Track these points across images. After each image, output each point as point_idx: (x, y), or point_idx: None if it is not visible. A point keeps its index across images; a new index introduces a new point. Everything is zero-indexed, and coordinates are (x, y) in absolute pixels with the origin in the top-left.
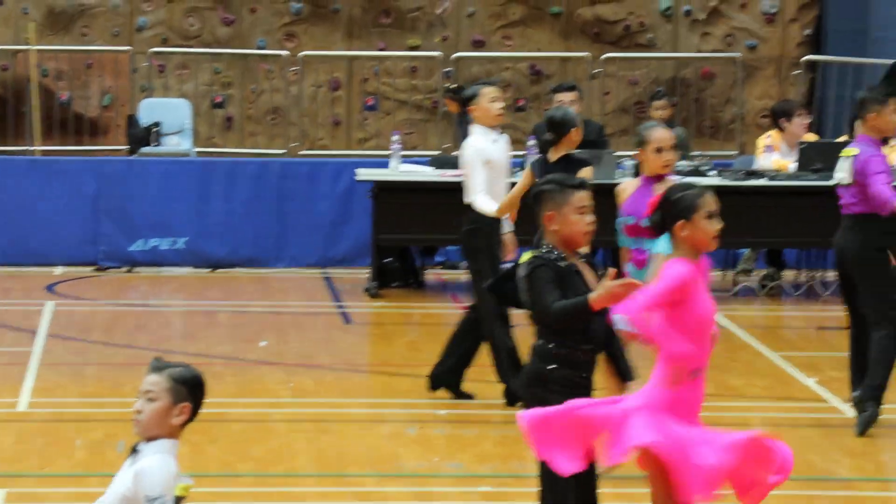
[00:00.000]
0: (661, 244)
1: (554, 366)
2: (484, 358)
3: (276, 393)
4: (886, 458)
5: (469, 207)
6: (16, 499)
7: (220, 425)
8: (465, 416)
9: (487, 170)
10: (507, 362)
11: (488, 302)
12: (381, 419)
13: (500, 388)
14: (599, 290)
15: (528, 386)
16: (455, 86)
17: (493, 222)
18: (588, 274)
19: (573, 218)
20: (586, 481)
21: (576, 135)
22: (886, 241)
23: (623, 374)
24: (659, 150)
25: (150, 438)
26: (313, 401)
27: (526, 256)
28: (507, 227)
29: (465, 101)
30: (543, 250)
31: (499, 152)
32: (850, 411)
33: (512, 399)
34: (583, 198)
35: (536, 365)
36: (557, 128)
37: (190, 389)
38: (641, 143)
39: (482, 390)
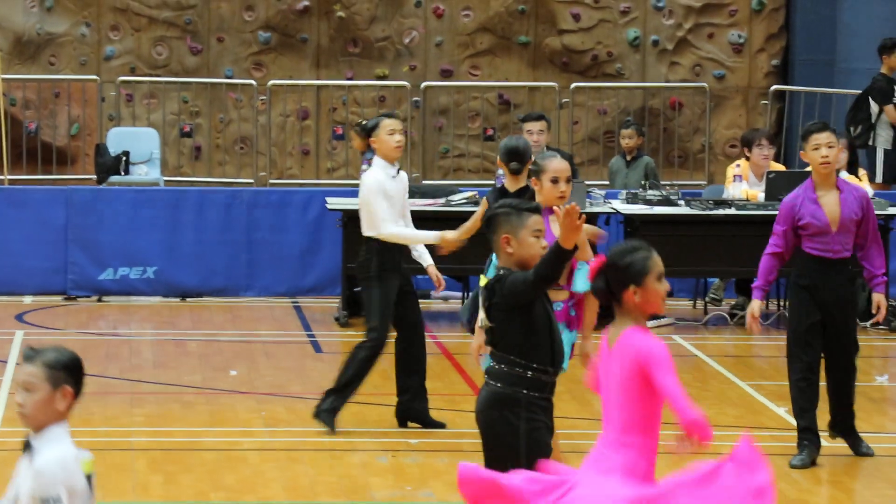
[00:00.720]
0: (580, 282)
1: (524, 390)
2: (455, 387)
3: (248, 422)
4: (858, 487)
5: (369, 239)
6: None
7: (193, 454)
8: (437, 444)
9: (388, 203)
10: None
11: (384, 331)
12: (353, 448)
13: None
14: (559, 230)
15: (492, 408)
16: (363, 122)
17: (395, 253)
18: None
19: (529, 241)
20: None
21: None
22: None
23: None
24: (555, 181)
25: (39, 428)
26: (285, 429)
27: (483, 281)
28: (428, 259)
29: (368, 133)
30: (500, 273)
31: (397, 188)
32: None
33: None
34: (538, 221)
35: (503, 388)
36: (521, 157)
37: (67, 372)
38: (537, 173)
39: (452, 419)
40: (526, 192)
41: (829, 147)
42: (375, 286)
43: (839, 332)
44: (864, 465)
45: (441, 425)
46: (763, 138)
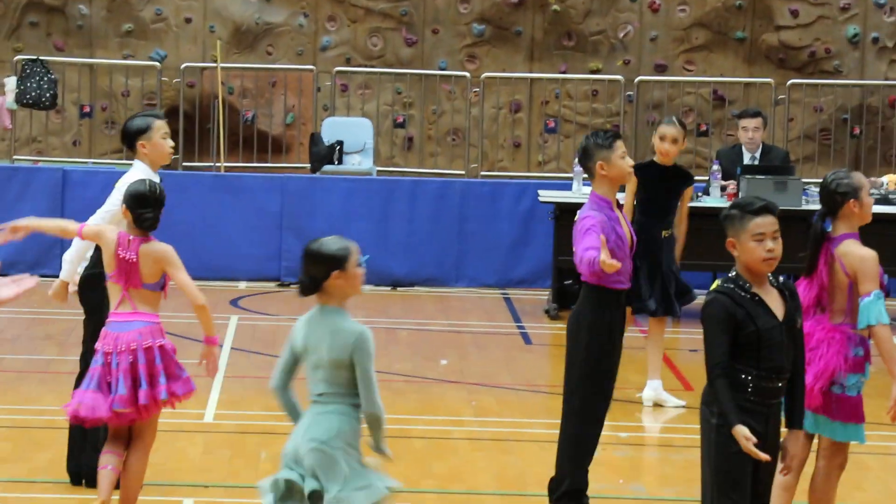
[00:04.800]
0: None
1: (715, 410)
2: (665, 382)
3: (458, 411)
4: None
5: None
6: None
7: (403, 442)
8: (647, 438)
9: None
10: None
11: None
12: None
13: (680, 412)
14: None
15: (701, 404)
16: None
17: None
18: (774, 302)
19: (750, 245)
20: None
21: None
22: None
23: (792, 418)
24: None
25: None
26: (495, 419)
27: (714, 284)
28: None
29: (133, 135)
30: (730, 276)
31: None
32: None
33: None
34: (761, 224)
35: (707, 387)
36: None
37: None
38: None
39: (662, 414)
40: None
41: None
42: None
43: None
44: None
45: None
46: None
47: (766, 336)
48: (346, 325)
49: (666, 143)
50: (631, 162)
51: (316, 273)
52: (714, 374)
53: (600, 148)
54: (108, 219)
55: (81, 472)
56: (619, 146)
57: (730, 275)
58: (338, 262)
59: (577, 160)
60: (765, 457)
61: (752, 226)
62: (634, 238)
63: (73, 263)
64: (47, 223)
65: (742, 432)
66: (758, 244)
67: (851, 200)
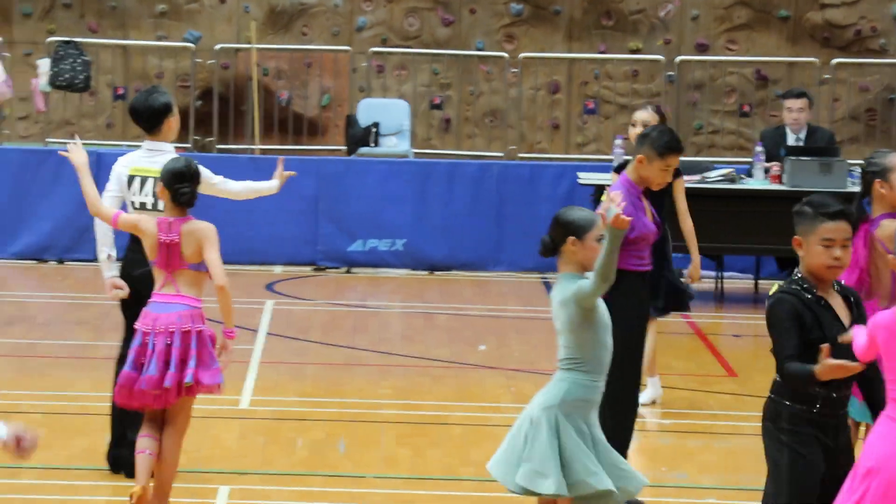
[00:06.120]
0: None
1: (787, 401)
2: (708, 367)
3: (497, 397)
4: None
5: None
6: (239, 496)
7: (441, 428)
8: (690, 426)
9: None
10: None
11: None
12: None
13: (723, 399)
14: (821, 366)
15: (763, 419)
16: None
17: None
18: (840, 308)
19: (817, 249)
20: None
21: None
22: None
23: (875, 401)
24: None
25: None
26: None
27: (774, 287)
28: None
29: (163, 113)
30: (793, 278)
31: None
32: None
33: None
34: (832, 230)
35: (772, 398)
36: None
37: None
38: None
39: (705, 400)
40: None
41: None
42: None
43: None
44: None
45: None
46: None
47: (833, 343)
48: (570, 285)
49: (637, 128)
50: (669, 179)
51: (555, 236)
52: (785, 365)
53: (652, 149)
54: (109, 202)
55: (121, 459)
56: (670, 160)
57: (793, 276)
58: (576, 229)
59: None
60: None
61: (823, 230)
62: (658, 229)
63: (109, 257)
64: (91, 188)
65: (827, 363)
66: (825, 250)
67: (878, 181)
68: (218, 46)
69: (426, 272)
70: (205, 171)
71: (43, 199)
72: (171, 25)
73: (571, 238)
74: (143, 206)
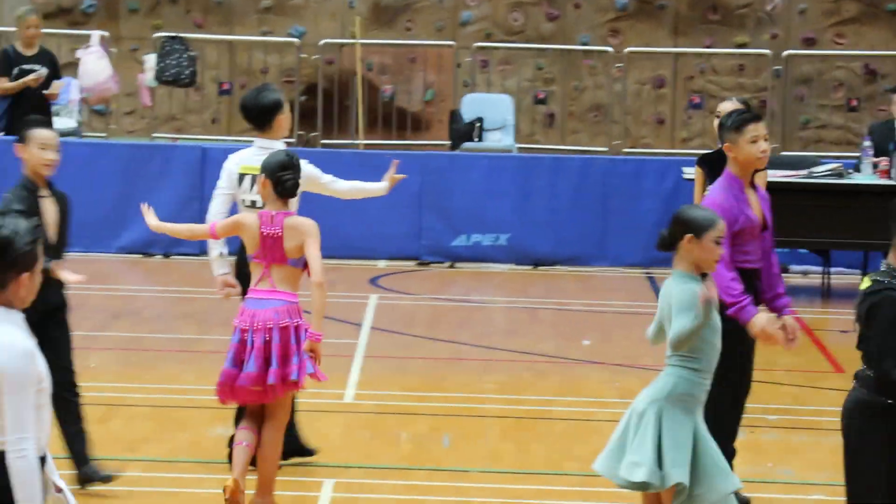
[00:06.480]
0: None
1: (889, 399)
2: (815, 363)
3: (601, 392)
4: None
5: None
6: (343, 489)
7: (545, 423)
8: (795, 421)
9: None
10: None
11: None
12: None
13: (829, 395)
14: None
15: (851, 415)
16: None
17: None
18: None
19: None
20: None
21: None
22: None
23: None
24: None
25: None
26: None
27: (866, 283)
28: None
29: (272, 110)
30: (883, 269)
31: None
32: None
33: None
34: None
35: (866, 395)
36: None
37: None
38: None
39: (811, 396)
40: None
41: None
42: None
43: None
44: None
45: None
46: None
47: None
48: (684, 284)
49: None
50: (764, 147)
51: (673, 231)
52: (889, 373)
53: (729, 129)
54: (221, 203)
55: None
56: (751, 130)
57: (882, 268)
58: (695, 228)
59: None
60: None
61: None
62: (768, 217)
63: (221, 255)
64: (177, 227)
65: None
66: None
67: None
68: (322, 42)
69: (530, 267)
70: (314, 170)
71: (149, 193)
72: (275, 21)
73: (689, 236)
74: (253, 205)
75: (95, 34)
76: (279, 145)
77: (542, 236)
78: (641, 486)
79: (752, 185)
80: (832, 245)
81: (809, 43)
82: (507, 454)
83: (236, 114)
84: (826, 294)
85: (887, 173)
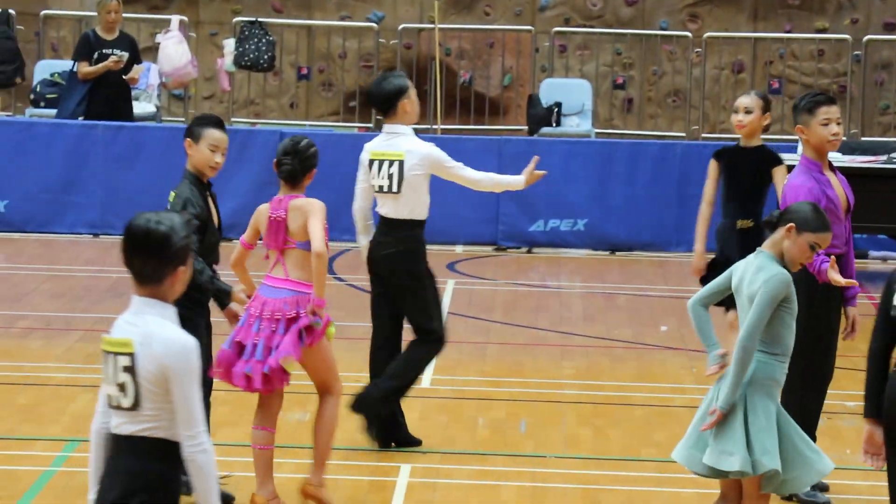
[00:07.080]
0: None
1: None
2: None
3: (679, 378)
4: None
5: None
6: (420, 474)
7: (622, 409)
8: None
9: None
10: None
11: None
12: None
13: None
14: None
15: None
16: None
17: None
18: None
19: None
20: None
21: None
22: None
23: None
24: None
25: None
26: None
27: None
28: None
29: (396, 95)
30: None
31: None
32: None
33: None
34: None
35: None
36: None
37: None
38: None
39: None
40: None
41: None
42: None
43: None
44: None
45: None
46: None
47: None
48: (772, 269)
49: (739, 115)
50: (835, 129)
51: (782, 215)
52: None
53: (801, 111)
54: (361, 195)
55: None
56: (824, 112)
57: None
58: (800, 222)
59: None
60: None
61: None
62: (851, 199)
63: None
64: (239, 277)
65: None
66: None
67: None
68: (401, 26)
69: (607, 252)
70: (440, 154)
71: (226, 178)
72: (354, 6)
73: (791, 225)
74: (380, 189)
75: (175, 19)
76: (406, 130)
77: (620, 222)
78: (736, 475)
79: (832, 168)
80: (867, 230)
81: (890, 28)
82: (584, 440)
83: (314, 98)
84: None
85: None
